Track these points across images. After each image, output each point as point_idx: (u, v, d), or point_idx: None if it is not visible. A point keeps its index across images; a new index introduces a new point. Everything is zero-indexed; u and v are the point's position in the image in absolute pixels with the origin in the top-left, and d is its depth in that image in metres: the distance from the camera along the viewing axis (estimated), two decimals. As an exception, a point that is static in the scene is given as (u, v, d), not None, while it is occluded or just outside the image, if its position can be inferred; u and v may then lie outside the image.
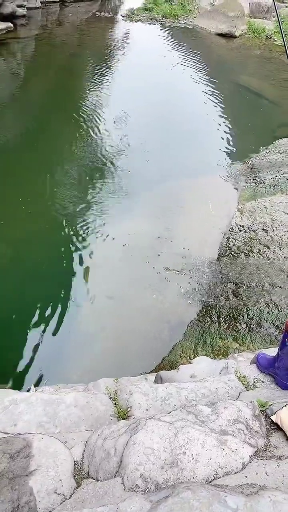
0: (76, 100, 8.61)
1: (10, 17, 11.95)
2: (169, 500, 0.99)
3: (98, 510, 1.00)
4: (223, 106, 9.11)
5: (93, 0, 17.16)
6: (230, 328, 3.88)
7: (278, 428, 1.67)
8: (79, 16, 15.13)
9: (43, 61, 10.64)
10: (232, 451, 1.49)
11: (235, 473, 1.43)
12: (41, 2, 14.16)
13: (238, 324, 3.89)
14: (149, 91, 9.57)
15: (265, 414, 1.76)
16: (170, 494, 1.03)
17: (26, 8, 13.04)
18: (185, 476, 1.40)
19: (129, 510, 1.01)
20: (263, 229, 5.09)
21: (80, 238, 5.05)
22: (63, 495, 1.40)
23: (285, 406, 1.69)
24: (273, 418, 1.68)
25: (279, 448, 1.58)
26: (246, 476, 1.40)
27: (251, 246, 4.87)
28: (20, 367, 3.55)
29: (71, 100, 8.66)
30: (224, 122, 8.39)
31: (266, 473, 1.42)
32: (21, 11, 12.61)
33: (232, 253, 4.89)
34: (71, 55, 11.56)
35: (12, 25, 11.75)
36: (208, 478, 1.41)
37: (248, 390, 2.04)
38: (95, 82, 9.56)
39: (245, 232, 5.19)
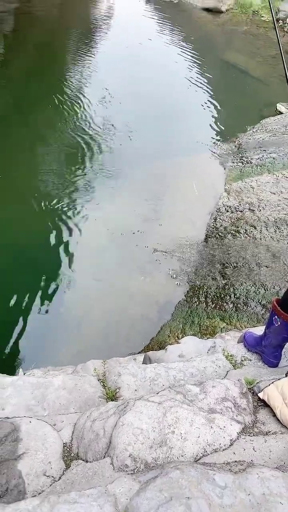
0: (58, 78, 8.32)
1: (-14, -11, 11.36)
2: (158, 480, 0.99)
3: (87, 493, 0.99)
4: (209, 84, 8.94)
5: (74, -29, 16.39)
6: (217, 308, 3.91)
7: (265, 404, 1.69)
8: (60, -12, 14.46)
9: (22, 36, 10.21)
10: (220, 428, 1.51)
11: (223, 450, 1.45)
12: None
13: (225, 304, 3.91)
14: (134, 68, 9.30)
15: (252, 391, 1.78)
16: (159, 474, 1.03)
17: (4, -21, 12.39)
18: (174, 454, 1.41)
19: (118, 492, 1.01)
20: (250, 209, 5.08)
21: (65, 220, 4.97)
22: (52, 477, 1.40)
23: (272, 383, 1.71)
24: (260, 395, 1.70)
25: (266, 424, 1.60)
26: (234, 453, 1.42)
27: (237, 227, 4.87)
28: (9, 351, 3.53)
29: (53, 78, 8.37)
30: (211, 101, 8.26)
31: (253, 449, 1.44)
32: (-2, -18, 11.98)
33: (219, 233, 4.89)
34: (52, 30, 11.12)
35: (-12, -3, 11.19)
36: (197, 455, 1.42)
37: (235, 369, 2.06)
38: (77, 60, 9.24)
39: (232, 212, 5.18)
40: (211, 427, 1.51)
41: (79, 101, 7.44)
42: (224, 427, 1.52)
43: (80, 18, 12.28)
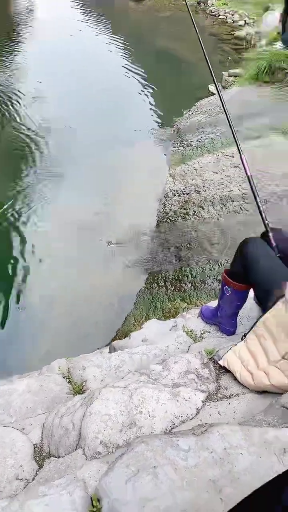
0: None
1: None
2: (124, 456, 1.01)
3: (55, 483, 0.99)
4: (143, 71, 8.96)
5: None
6: (177, 290, 3.99)
7: (226, 370, 1.76)
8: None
9: None
10: (186, 400, 1.55)
11: (191, 419, 1.50)
12: None
13: (184, 285, 4.00)
14: (65, 62, 9.11)
15: (213, 360, 1.84)
16: (126, 451, 1.05)
17: None
18: (144, 433, 1.44)
19: (87, 475, 1.02)
20: (195, 190, 5.20)
21: (15, 222, 4.83)
22: (26, 479, 1.38)
23: (230, 349, 1.78)
24: (221, 362, 1.77)
25: (229, 389, 1.67)
26: (201, 420, 1.48)
27: (186, 209, 4.97)
28: None
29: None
30: (146, 88, 8.29)
31: (218, 413, 1.51)
32: None
33: (170, 218, 4.96)
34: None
35: None
36: (166, 429, 1.46)
37: (196, 342, 2.13)
38: (3, 59, 8.88)
39: (179, 196, 5.27)
40: (177, 400, 1.55)
41: (13, 101, 7.18)
42: (189, 398, 1.57)
43: (0, 16, 11.78)
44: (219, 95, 2.19)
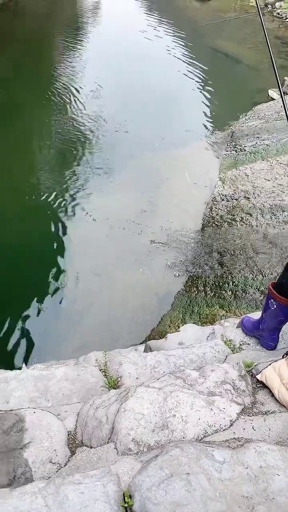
0: (48, 73, 8.28)
1: (-29, -14, 11.24)
2: (159, 458, 1.02)
3: (90, 474, 1.03)
4: (200, 72, 8.89)
5: None
6: (216, 296, 3.94)
7: (263, 386, 1.73)
8: (46, -18, 14.29)
9: (9, 32, 10.12)
10: (220, 410, 1.54)
11: (224, 430, 1.48)
12: None
13: (224, 292, 3.95)
14: (124, 60, 9.25)
15: (251, 374, 1.81)
16: (160, 453, 1.06)
17: (-12, -25, 12.23)
18: (176, 436, 1.45)
19: (120, 471, 1.05)
20: (245, 197, 5.09)
21: (62, 216, 4.98)
22: (58, 463, 1.44)
23: (269, 364, 1.74)
24: (259, 376, 1.74)
25: (265, 404, 1.63)
26: (234, 432, 1.46)
27: (233, 215, 4.88)
28: (11, 347, 3.56)
29: (42, 74, 8.32)
30: (203, 90, 8.22)
31: (252, 428, 1.48)
32: (-18, -22, 11.83)
33: (216, 222, 4.90)
34: (40, 25, 11.01)
35: (-26, -6, 11.09)
36: (198, 436, 1.46)
37: (234, 353, 2.10)
38: (67, 54, 9.17)
39: (227, 201, 5.19)
40: (211, 409, 1.54)
41: (70, 96, 7.41)
42: (224, 408, 1.55)
43: (68, 13, 12.15)
44: (282, 99, 2.13)
